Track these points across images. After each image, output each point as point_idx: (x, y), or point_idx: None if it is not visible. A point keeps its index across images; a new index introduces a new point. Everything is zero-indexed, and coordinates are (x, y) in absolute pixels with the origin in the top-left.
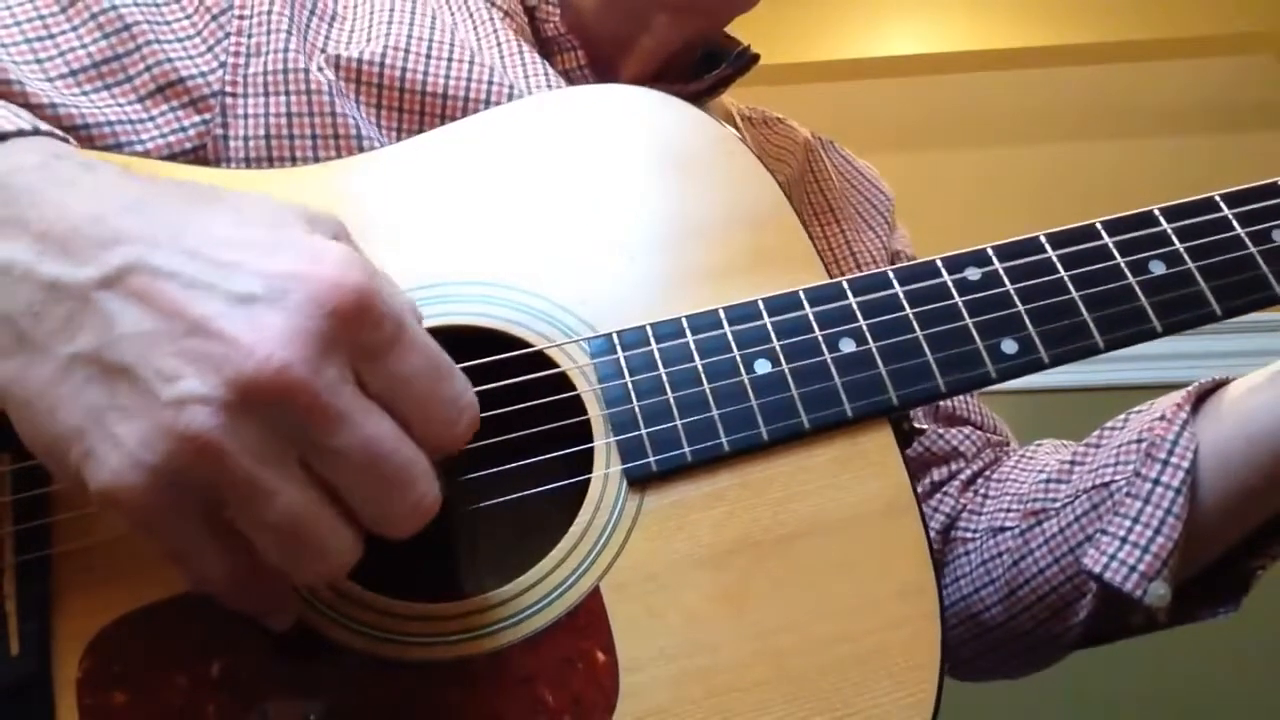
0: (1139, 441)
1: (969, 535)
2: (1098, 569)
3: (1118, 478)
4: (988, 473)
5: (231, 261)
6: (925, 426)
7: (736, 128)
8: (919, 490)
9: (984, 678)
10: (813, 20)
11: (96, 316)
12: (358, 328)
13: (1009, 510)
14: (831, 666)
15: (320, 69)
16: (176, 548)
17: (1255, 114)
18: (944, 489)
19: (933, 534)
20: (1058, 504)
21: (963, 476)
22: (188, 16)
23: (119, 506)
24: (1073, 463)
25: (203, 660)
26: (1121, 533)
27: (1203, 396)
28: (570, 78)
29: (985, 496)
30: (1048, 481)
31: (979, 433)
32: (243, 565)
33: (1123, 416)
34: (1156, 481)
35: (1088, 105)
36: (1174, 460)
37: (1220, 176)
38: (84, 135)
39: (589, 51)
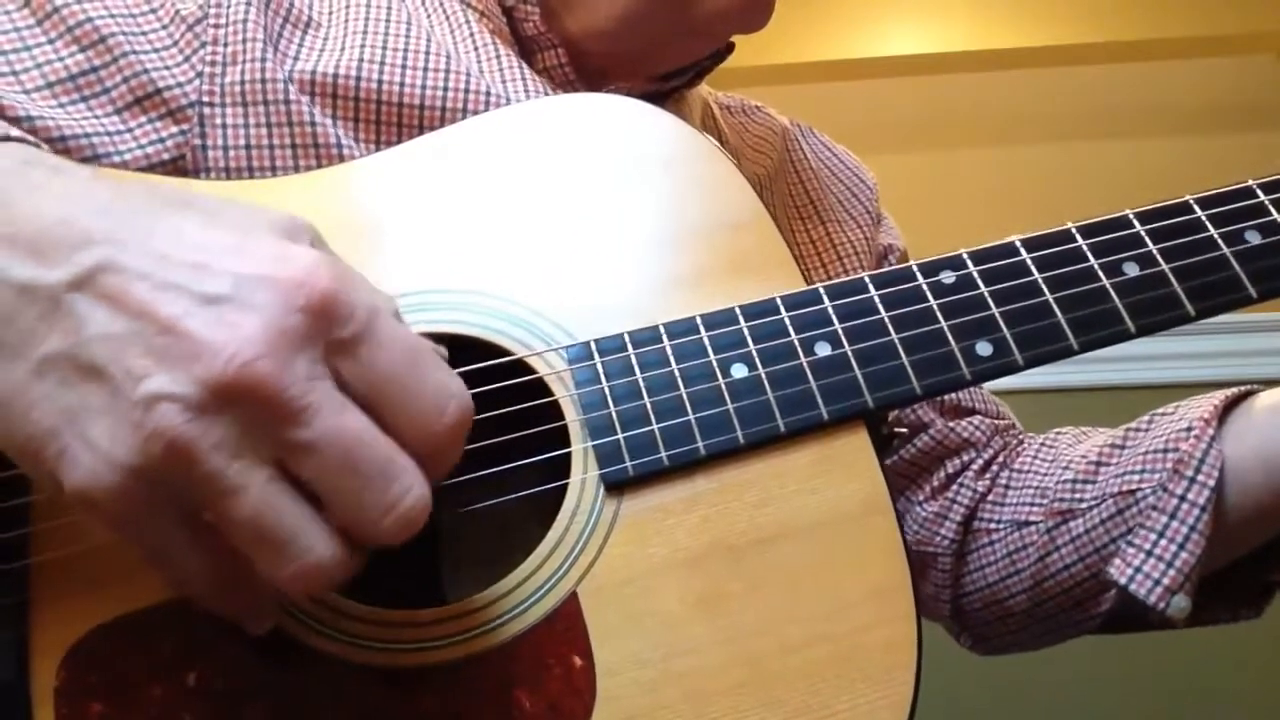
0: (1165, 452)
1: (992, 526)
2: (1123, 580)
3: (1144, 486)
4: (1003, 459)
5: (201, 263)
6: (905, 430)
7: (713, 117)
8: (934, 483)
9: (1004, 653)
10: (813, 20)
11: (67, 318)
12: (327, 324)
13: (1032, 505)
14: (808, 668)
15: (291, 82)
16: (153, 547)
17: (1255, 114)
18: (959, 479)
19: (954, 525)
20: (1083, 505)
21: (976, 465)
22: (164, 26)
23: (94, 506)
24: (1098, 464)
25: (179, 670)
26: (1147, 545)
27: (1230, 406)
28: (551, 76)
29: (1007, 487)
30: (1074, 481)
31: (988, 420)
32: (220, 565)
33: (1147, 418)
34: (1183, 498)
35: (1088, 105)
36: (1200, 478)
37: (1220, 176)
38: (61, 148)
39: (571, 51)
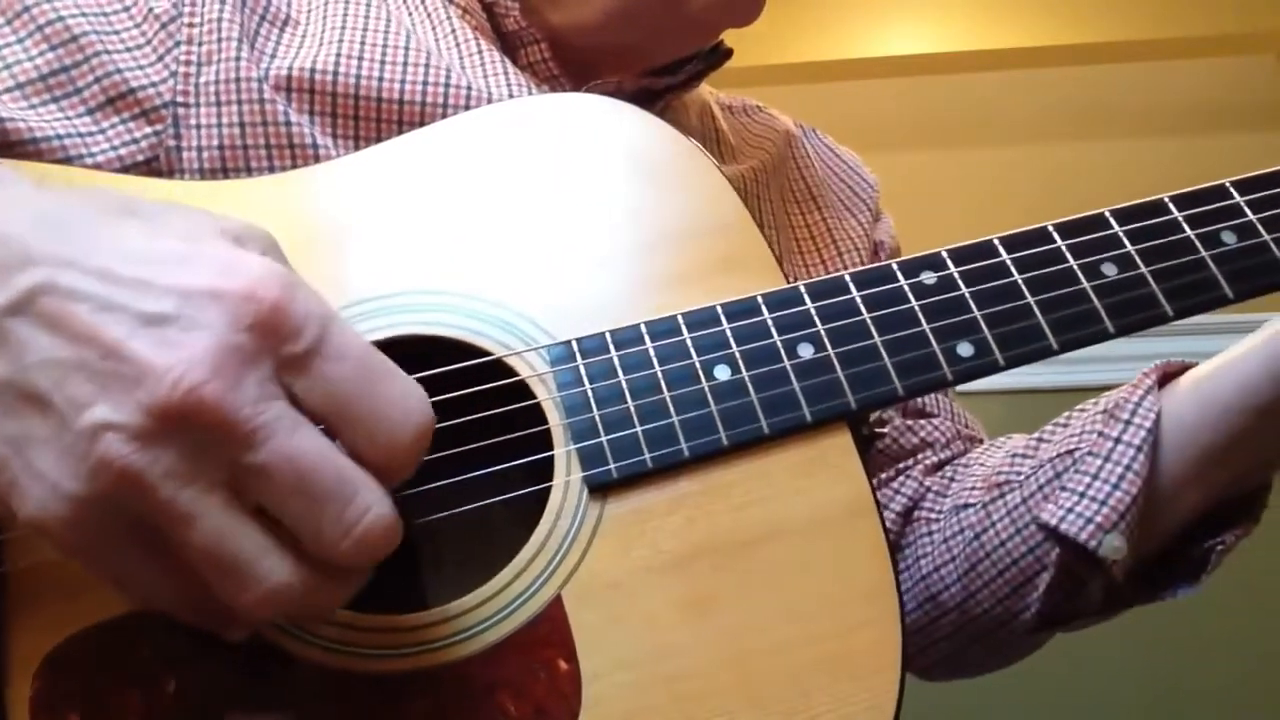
0: (1104, 411)
1: (933, 515)
2: (1054, 521)
3: (1082, 444)
4: (956, 460)
5: (143, 279)
6: (885, 431)
7: (713, 116)
8: (883, 478)
9: (938, 671)
10: (813, 20)
11: (8, 344)
12: (277, 340)
13: (974, 488)
14: (794, 670)
15: (266, 81)
16: (111, 572)
17: (1255, 114)
18: (907, 472)
19: (893, 516)
20: (1022, 475)
21: (929, 462)
22: (136, 25)
23: (47, 536)
24: (1040, 440)
25: (158, 677)
26: (1080, 488)
27: (1169, 377)
28: (534, 71)
29: (952, 480)
30: (1014, 457)
31: (949, 424)
32: (186, 583)
33: (1093, 400)
34: (1118, 440)
35: (1088, 105)
36: (1136, 420)
37: (1220, 177)
38: (32, 149)
39: (555, 45)
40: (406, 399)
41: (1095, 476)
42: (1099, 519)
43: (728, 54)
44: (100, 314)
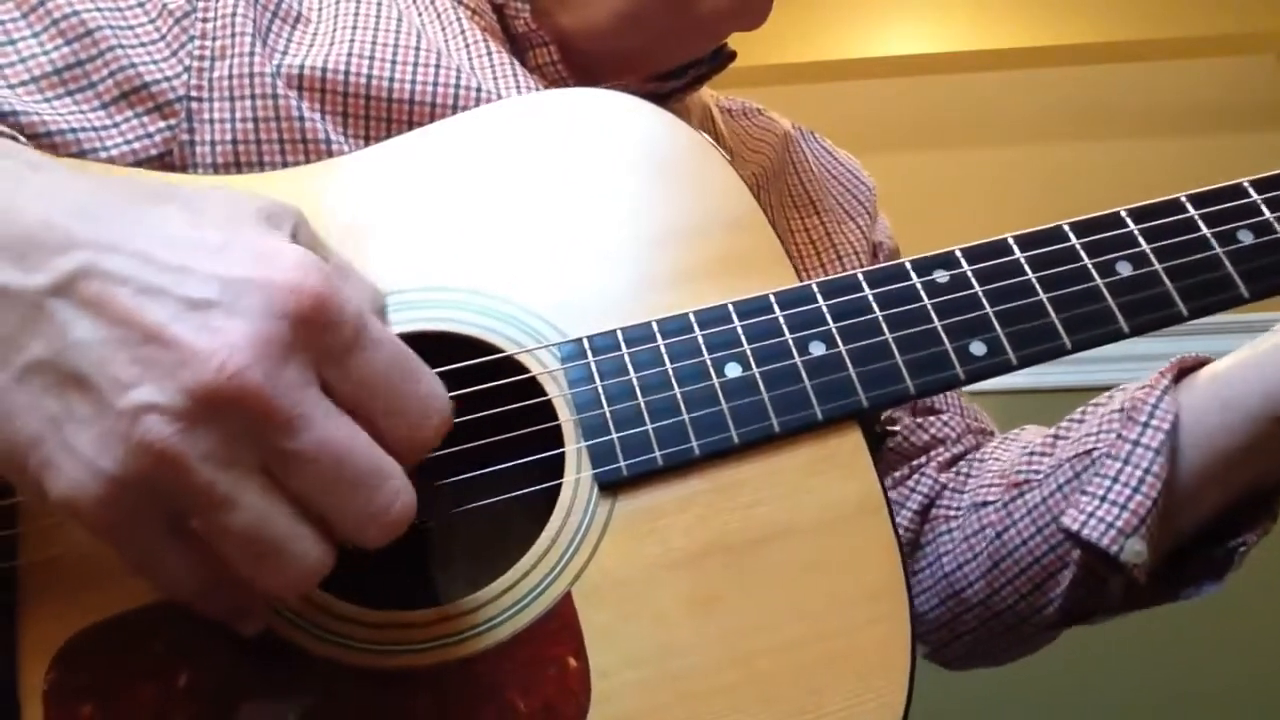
0: (1121, 410)
1: (951, 513)
2: (1075, 526)
3: (1100, 444)
4: (970, 455)
5: (185, 265)
6: (897, 429)
7: (713, 119)
8: (896, 476)
9: (961, 663)
10: (813, 20)
11: (50, 325)
12: (317, 331)
13: (992, 485)
14: (803, 668)
15: (279, 76)
16: (140, 554)
17: (1255, 114)
18: (922, 470)
19: (910, 514)
20: (1041, 474)
21: (942, 458)
22: (151, 20)
23: (79, 515)
24: (1056, 436)
25: (170, 671)
26: (1100, 492)
27: (1185, 372)
28: (543, 73)
29: (968, 476)
30: (1031, 454)
31: (959, 419)
32: (209, 570)
33: (1108, 394)
34: (1136, 443)
35: (1087, 105)
36: (1154, 423)
37: (1220, 177)
38: (47, 143)
39: (564, 48)
40: (432, 398)
41: (1115, 480)
42: (1120, 524)
43: (731, 56)
44: (141, 297)
